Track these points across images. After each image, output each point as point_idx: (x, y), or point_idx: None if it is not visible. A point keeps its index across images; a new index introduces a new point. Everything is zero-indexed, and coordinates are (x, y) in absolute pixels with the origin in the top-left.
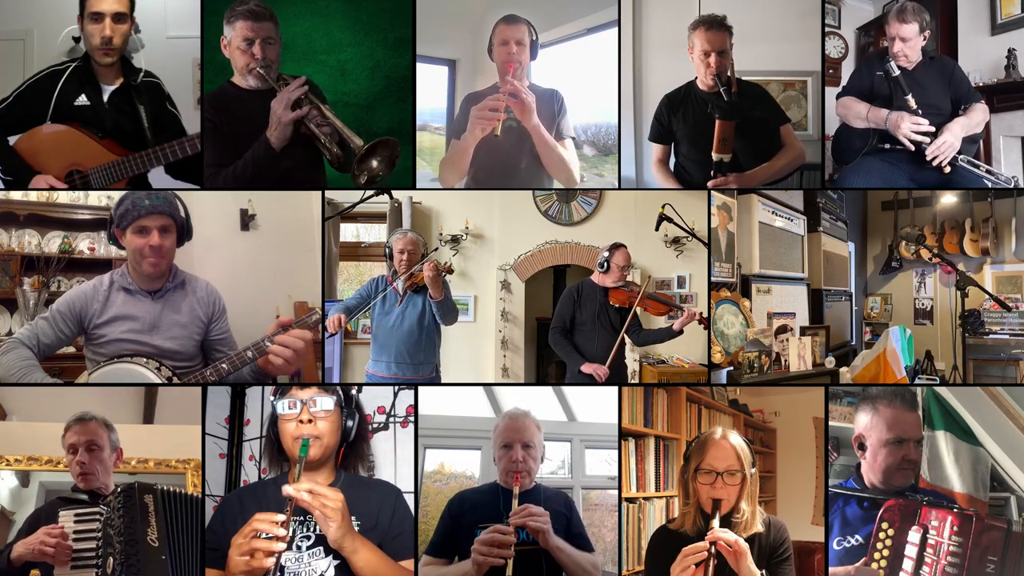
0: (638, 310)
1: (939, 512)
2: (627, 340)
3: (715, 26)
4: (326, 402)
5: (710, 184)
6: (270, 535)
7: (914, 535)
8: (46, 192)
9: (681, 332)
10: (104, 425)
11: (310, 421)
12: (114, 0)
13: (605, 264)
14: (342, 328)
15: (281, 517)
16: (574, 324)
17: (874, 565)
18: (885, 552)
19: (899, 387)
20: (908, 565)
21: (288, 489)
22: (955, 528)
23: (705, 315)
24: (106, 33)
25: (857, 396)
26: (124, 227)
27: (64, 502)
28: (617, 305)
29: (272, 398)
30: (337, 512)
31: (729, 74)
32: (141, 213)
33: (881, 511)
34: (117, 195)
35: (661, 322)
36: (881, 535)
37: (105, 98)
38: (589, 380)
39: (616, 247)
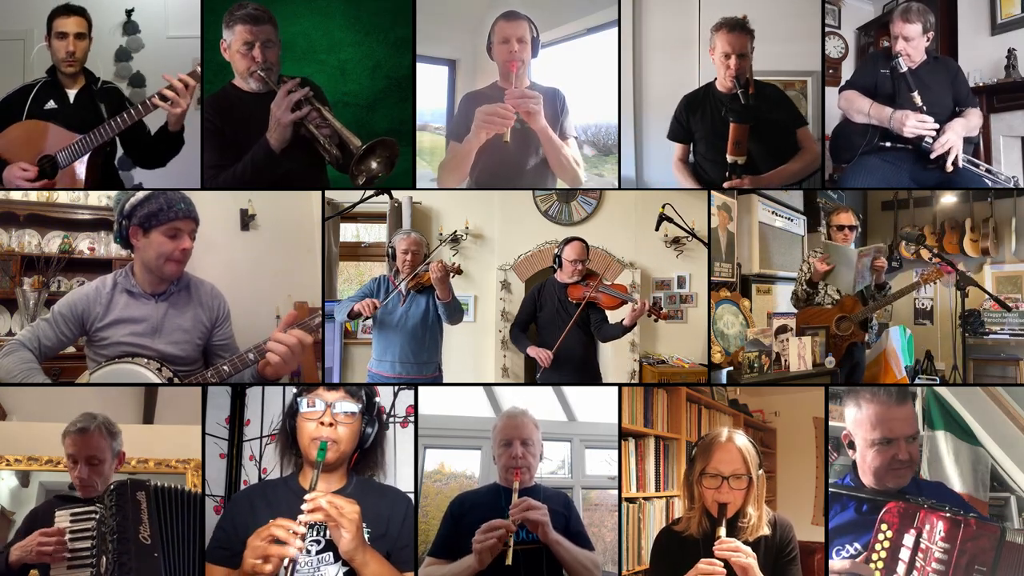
0: (598, 305)
1: (933, 515)
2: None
3: (737, 28)
4: (350, 406)
5: (726, 185)
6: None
7: (908, 539)
8: (46, 192)
9: (634, 326)
10: (107, 433)
11: (331, 424)
12: (75, 23)
13: (557, 260)
14: (377, 311)
15: (302, 529)
16: (537, 322)
17: (872, 566)
18: (883, 554)
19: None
20: (901, 568)
21: (305, 507)
22: (943, 533)
23: (660, 307)
24: (69, 49)
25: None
26: (150, 227)
27: (61, 501)
28: (575, 301)
29: (295, 392)
30: (352, 524)
31: (748, 76)
32: (178, 215)
33: (882, 512)
34: (127, 194)
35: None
36: (880, 536)
37: (71, 100)
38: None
39: (567, 242)
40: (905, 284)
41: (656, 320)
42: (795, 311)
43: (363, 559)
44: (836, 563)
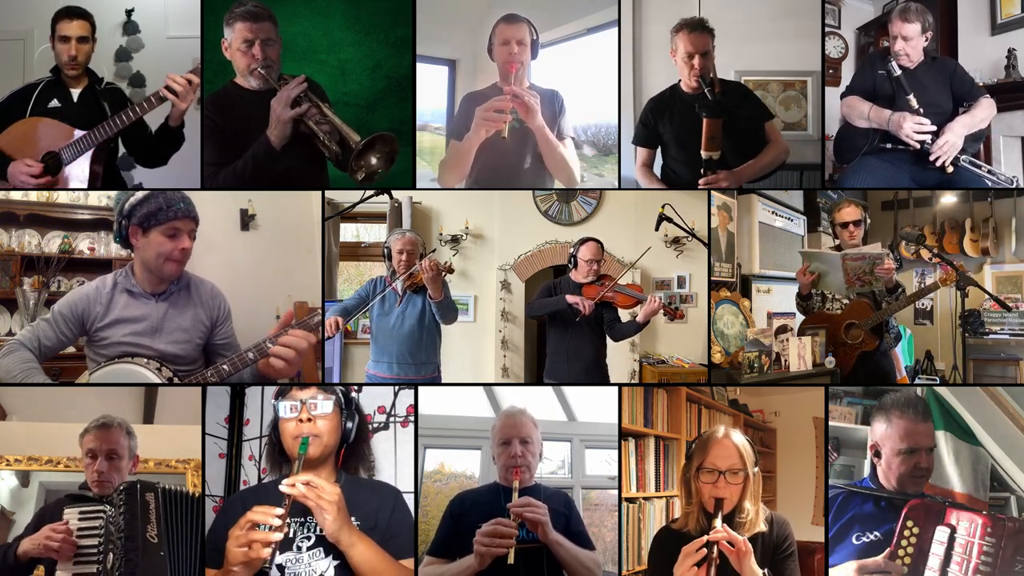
0: (613, 304)
1: (967, 514)
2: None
3: (698, 28)
4: (325, 405)
5: (701, 182)
6: (267, 526)
7: (941, 534)
8: (46, 192)
9: (647, 323)
10: (126, 432)
11: (309, 420)
12: (78, 27)
13: (572, 260)
14: (340, 331)
15: (278, 510)
16: (549, 320)
17: (897, 561)
18: (909, 549)
19: (911, 397)
20: (934, 563)
21: (283, 486)
22: (988, 529)
23: (675, 306)
24: (72, 53)
25: (858, 396)
26: (149, 226)
27: (71, 499)
28: (590, 300)
29: (274, 401)
30: (333, 504)
31: (712, 75)
32: (177, 215)
33: (906, 510)
34: (126, 194)
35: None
36: (906, 532)
37: (74, 99)
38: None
39: (583, 242)
40: (906, 284)
41: (671, 320)
42: (794, 313)
43: (349, 540)
44: (868, 562)
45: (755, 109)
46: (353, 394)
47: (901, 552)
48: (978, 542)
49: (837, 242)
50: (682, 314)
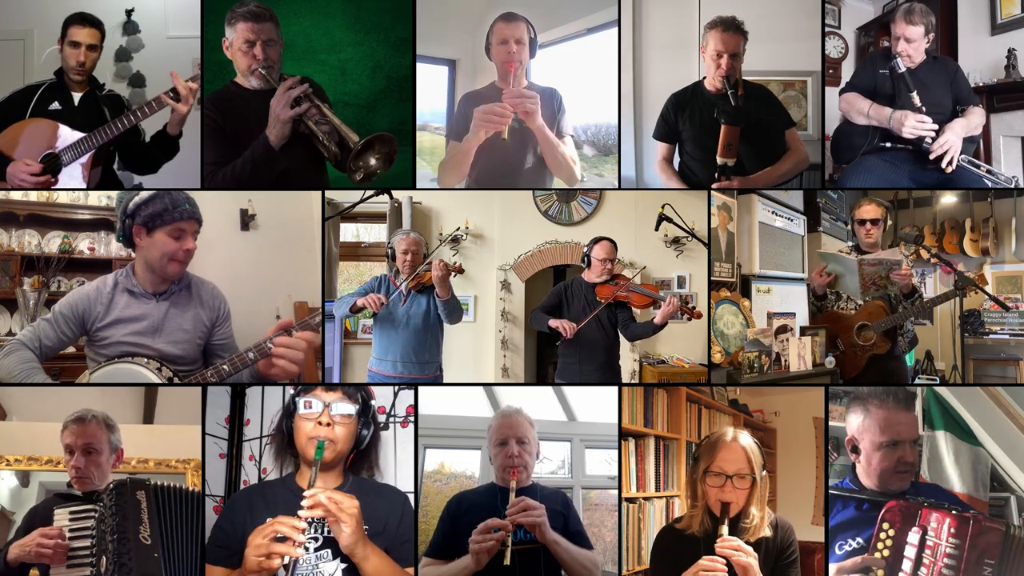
0: (626, 303)
1: (938, 514)
2: (620, 336)
3: (731, 28)
4: (347, 408)
5: (714, 187)
6: (287, 537)
7: (913, 536)
8: (46, 192)
9: (665, 324)
10: (105, 425)
11: (328, 424)
12: (88, 34)
13: (586, 259)
14: (384, 306)
15: (303, 524)
16: (562, 316)
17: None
18: (885, 552)
19: (892, 386)
20: (907, 566)
21: (305, 503)
22: (952, 530)
23: (688, 304)
24: (80, 59)
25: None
26: (154, 227)
27: (60, 499)
28: (603, 300)
29: (293, 392)
30: (352, 518)
31: (737, 77)
32: (183, 216)
33: (883, 511)
34: (130, 193)
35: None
36: (882, 535)
37: (75, 103)
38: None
39: (596, 241)
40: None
41: (689, 319)
42: (794, 313)
43: (363, 553)
44: (846, 563)
45: (777, 115)
46: (372, 402)
47: (878, 555)
48: (943, 544)
49: (854, 242)
50: (700, 313)
